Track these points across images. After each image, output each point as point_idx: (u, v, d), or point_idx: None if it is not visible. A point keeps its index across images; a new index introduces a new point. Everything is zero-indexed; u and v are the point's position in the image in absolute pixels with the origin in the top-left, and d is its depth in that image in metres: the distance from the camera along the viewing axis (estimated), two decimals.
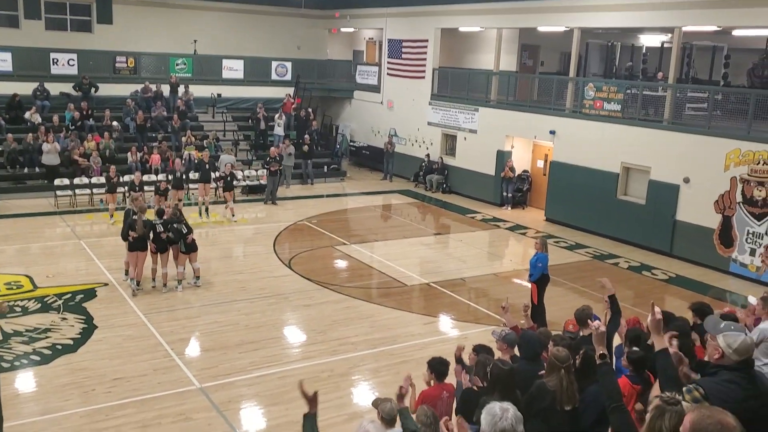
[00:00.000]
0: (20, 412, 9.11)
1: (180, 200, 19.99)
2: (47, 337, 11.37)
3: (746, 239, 16.34)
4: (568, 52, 22.49)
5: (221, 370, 10.52)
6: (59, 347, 11.05)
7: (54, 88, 24.48)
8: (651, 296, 13.95)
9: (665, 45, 22.39)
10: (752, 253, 16.23)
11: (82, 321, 12.14)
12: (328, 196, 24.07)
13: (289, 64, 29.47)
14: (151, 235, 13.60)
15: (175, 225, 13.65)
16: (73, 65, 25.49)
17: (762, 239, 16.02)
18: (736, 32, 19.75)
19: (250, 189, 23.26)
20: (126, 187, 19.33)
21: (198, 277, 14.17)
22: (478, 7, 24.00)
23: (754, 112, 16.50)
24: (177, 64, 27.35)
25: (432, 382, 6.96)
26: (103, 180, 20.47)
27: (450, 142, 25.68)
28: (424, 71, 26.42)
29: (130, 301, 13.17)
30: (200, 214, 19.25)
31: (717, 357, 4.17)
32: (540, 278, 12.33)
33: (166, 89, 26.14)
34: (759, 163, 15.97)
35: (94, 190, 20.91)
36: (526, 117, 22.20)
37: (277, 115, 26.34)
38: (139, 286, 13.68)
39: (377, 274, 15.90)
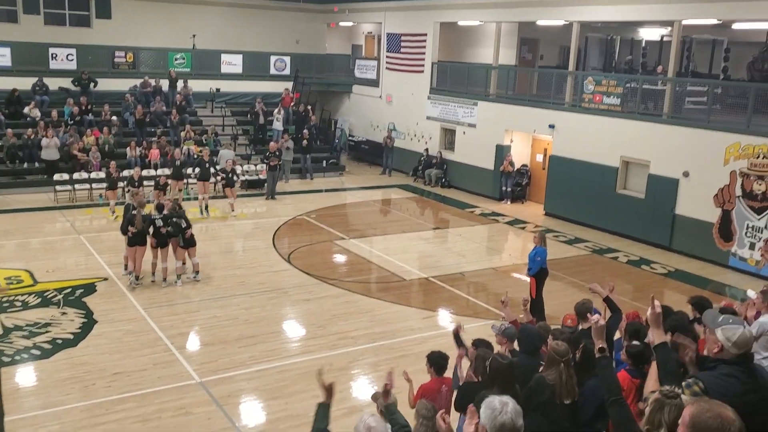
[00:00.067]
0: (21, 406, 9.14)
1: (180, 191, 20.07)
2: (47, 332, 11.39)
3: (746, 233, 16.35)
4: (567, 46, 22.46)
5: (221, 365, 10.54)
6: (59, 342, 11.07)
7: (53, 83, 24.46)
8: (650, 290, 13.95)
9: (665, 38, 22.40)
10: (752, 247, 16.24)
11: (82, 315, 12.16)
12: (327, 190, 24.07)
13: (287, 59, 29.43)
14: (151, 229, 13.61)
15: (174, 219, 13.66)
16: (72, 60, 25.45)
17: (761, 233, 16.02)
18: (735, 25, 19.75)
19: (250, 184, 23.25)
20: (125, 182, 19.33)
21: (197, 272, 14.18)
22: (477, 0, 23.95)
23: (753, 106, 16.48)
24: (176, 59, 27.30)
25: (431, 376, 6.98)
26: (102, 175, 20.49)
27: (449, 137, 25.66)
28: (423, 65, 26.38)
29: (130, 296, 13.19)
30: (201, 212, 19.22)
31: (716, 351, 4.17)
32: (539, 272, 12.34)
33: (165, 84, 26.09)
34: (759, 156, 15.96)
35: (94, 185, 20.91)
36: (525, 111, 22.18)
37: (276, 110, 26.30)
38: (139, 280, 13.69)
39: (376, 269, 15.91)
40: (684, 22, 18.30)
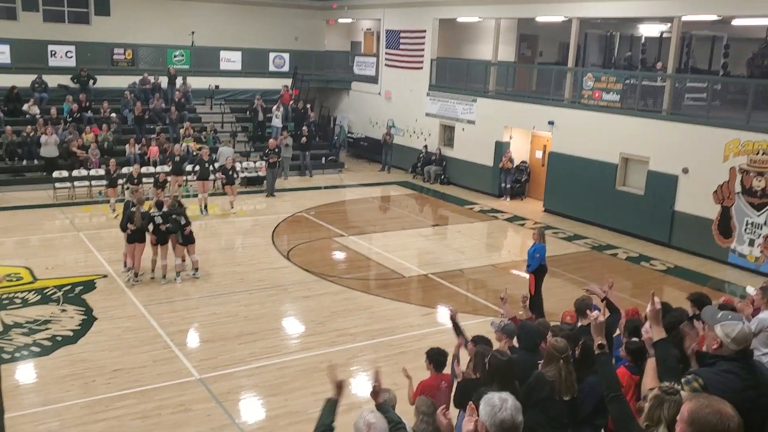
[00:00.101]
0: (21, 403, 9.15)
1: (180, 186, 20.07)
2: (47, 329, 11.39)
3: (745, 229, 16.35)
4: (566, 42, 22.43)
5: (220, 361, 10.54)
6: (59, 338, 11.07)
7: (52, 80, 24.44)
8: (649, 287, 13.95)
9: (664, 35, 22.35)
10: (751, 243, 16.24)
11: (82, 312, 12.16)
12: (326, 187, 24.05)
13: (286, 56, 29.41)
14: (151, 227, 13.61)
15: (174, 216, 13.66)
16: (71, 57, 25.44)
17: (761, 229, 16.03)
18: (735, 21, 19.71)
19: (249, 181, 23.24)
20: (124, 180, 19.33)
21: (197, 269, 14.18)
22: None
23: (753, 102, 16.48)
24: (175, 56, 27.29)
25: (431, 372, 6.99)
26: (101, 172, 20.48)
27: (448, 133, 25.65)
28: (422, 62, 26.36)
29: (130, 293, 13.19)
30: (201, 210, 19.19)
31: (715, 347, 4.17)
32: (538, 269, 12.35)
33: (164, 81, 26.07)
34: (758, 153, 15.96)
35: (93, 182, 20.90)
36: (524, 107, 22.16)
37: (274, 107, 26.29)
38: (138, 277, 13.69)
39: (375, 266, 15.91)
40: (683, 18, 18.27)
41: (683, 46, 20.99)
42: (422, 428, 5.12)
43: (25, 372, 10.06)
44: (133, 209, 13.49)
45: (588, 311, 7.32)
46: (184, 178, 20.91)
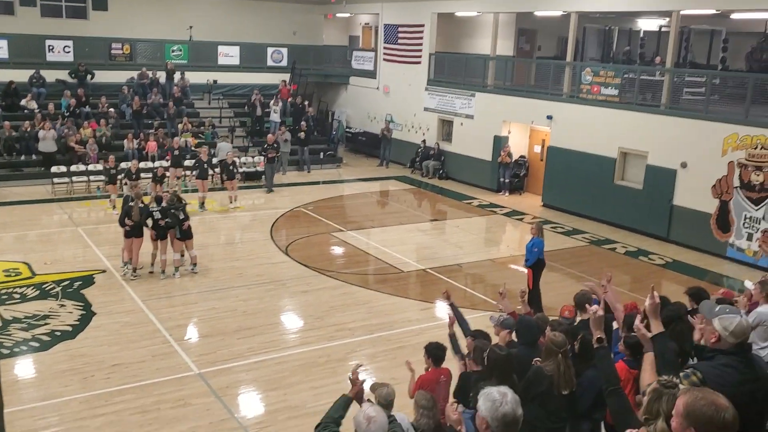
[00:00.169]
0: (20, 398, 9.16)
1: (179, 178, 20.04)
2: (46, 324, 11.40)
3: (743, 224, 16.37)
4: (565, 37, 22.42)
5: (219, 356, 10.55)
6: (58, 334, 11.08)
7: (50, 75, 24.41)
8: (648, 281, 14.00)
9: (663, 29, 22.37)
10: (749, 237, 16.26)
11: (81, 308, 12.17)
12: (324, 182, 24.05)
13: (284, 50, 29.36)
14: (150, 222, 13.61)
15: (172, 210, 13.66)
16: (69, 52, 25.39)
17: (759, 224, 16.05)
18: (734, 15, 19.72)
19: (247, 176, 23.22)
20: (123, 175, 19.31)
21: (195, 264, 14.17)
22: None
23: (752, 97, 16.46)
24: (172, 51, 27.23)
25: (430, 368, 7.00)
26: (100, 167, 20.46)
27: (446, 128, 25.63)
28: (420, 56, 26.32)
29: (128, 288, 13.19)
30: (200, 206, 19.16)
31: (714, 341, 4.18)
32: (536, 263, 12.36)
33: (162, 76, 26.02)
34: (757, 147, 15.96)
35: (91, 178, 20.86)
36: (523, 102, 22.15)
37: (272, 102, 26.26)
38: (136, 272, 13.69)
39: (374, 261, 15.92)
40: (682, 12, 18.26)
41: (682, 40, 20.99)
42: (423, 422, 5.13)
43: (24, 367, 10.07)
44: (131, 204, 13.49)
45: (587, 305, 7.33)
46: (183, 171, 20.89)
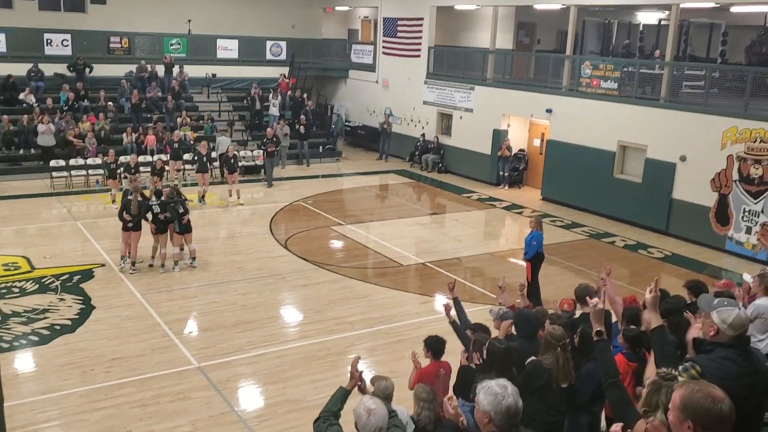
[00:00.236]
0: (20, 391, 9.17)
1: (178, 170, 20.00)
2: (45, 318, 11.40)
3: (742, 217, 16.38)
4: (564, 30, 22.38)
5: (219, 350, 10.57)
6: (57, 327, 11.09)
7: (48, 69, 24.36)
8: (647, 275, 14.02)
9: (662, 22, 22.32)
10: (748, 231, 16.27)
11: (80, 301, 12.17)
12: (323, 176, 24.03)
13: (283, 44, 29.29)
14: (150, 216, 13.60)
15: (172, 204, 13.65)
16: (67, 46, 25.33)
17: (758, 217, 16.06)
18: (734, 9, 19.67)
19: (246, 170, 23.20)
20: (122, 169, 19.30)
21: (194, 258, 14.18)
22: None
23: (751, 90, 16.44)
24: (171, 44, 27.17)
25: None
26: (99, 161, 20.45)
27: (446, 121, 25.61)
28: (419, 50, 26.27)
29: (128, 282, 13.20)
30: (199, 200, 19.14)
31: (712, 334, 4.18)
32: (535, 256, 12.37)
33: (160, 69, 25.98)
34: (756, 141, 15.96)
35: (90, 172, 20.87)
36: (522, 95, 22.12)
37: (271, 95, 26.21)
38: (135, 266, 13.69)
39: (373, 254, 15.93)
40: (682, 6, 18.23)
41: (681, 33, 20.95)
42: (423, 415, 5.14)
43: (24, 361, 10.08)
44: (130, 198, 13.48)
45: (588, 298, 7.33)
46: (183, 164, 20.86)
